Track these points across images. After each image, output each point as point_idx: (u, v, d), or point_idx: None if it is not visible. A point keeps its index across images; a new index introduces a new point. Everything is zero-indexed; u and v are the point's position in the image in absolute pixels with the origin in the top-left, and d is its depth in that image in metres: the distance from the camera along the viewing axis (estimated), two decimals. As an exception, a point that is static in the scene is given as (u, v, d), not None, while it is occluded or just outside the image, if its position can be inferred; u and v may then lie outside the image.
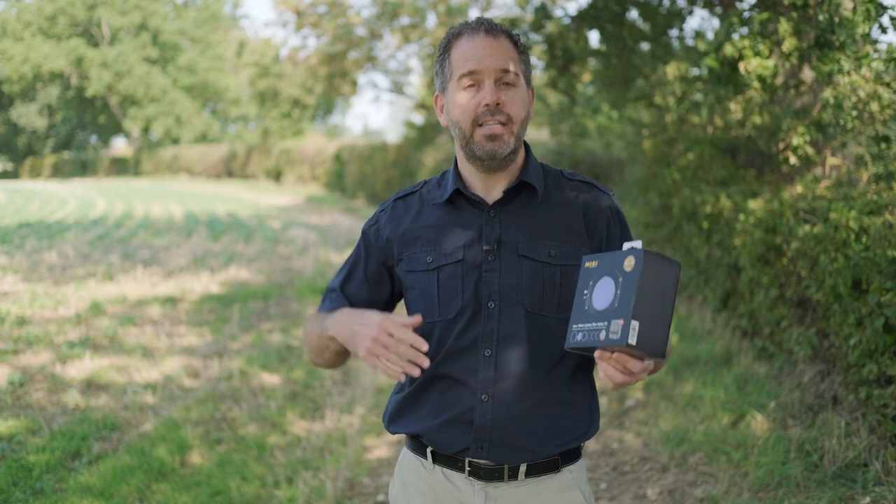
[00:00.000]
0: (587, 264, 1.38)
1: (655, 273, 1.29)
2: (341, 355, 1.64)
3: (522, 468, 1.56)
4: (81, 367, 5.53)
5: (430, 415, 1.59)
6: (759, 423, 3.92)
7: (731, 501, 3.34)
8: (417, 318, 1.45)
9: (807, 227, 4.12)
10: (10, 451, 4.01)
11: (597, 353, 1.32)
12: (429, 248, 1.60)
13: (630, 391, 4.96)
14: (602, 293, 1.32)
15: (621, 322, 1.26)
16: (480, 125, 1.53)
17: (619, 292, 1.29)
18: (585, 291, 1.36)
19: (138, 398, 4.92)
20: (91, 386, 5.18)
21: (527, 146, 1.66)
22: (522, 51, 1.59)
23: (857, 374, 3.44)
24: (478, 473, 1.57)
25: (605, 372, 1.32)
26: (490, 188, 1.61)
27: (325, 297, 1.75)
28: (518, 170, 1.62)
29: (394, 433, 1.67)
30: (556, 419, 1.56)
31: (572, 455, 1.62)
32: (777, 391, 4.22)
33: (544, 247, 1.56)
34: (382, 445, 4.34)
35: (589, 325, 1.32)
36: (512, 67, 1.54)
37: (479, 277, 1.56)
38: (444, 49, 1.59)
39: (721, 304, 5.65)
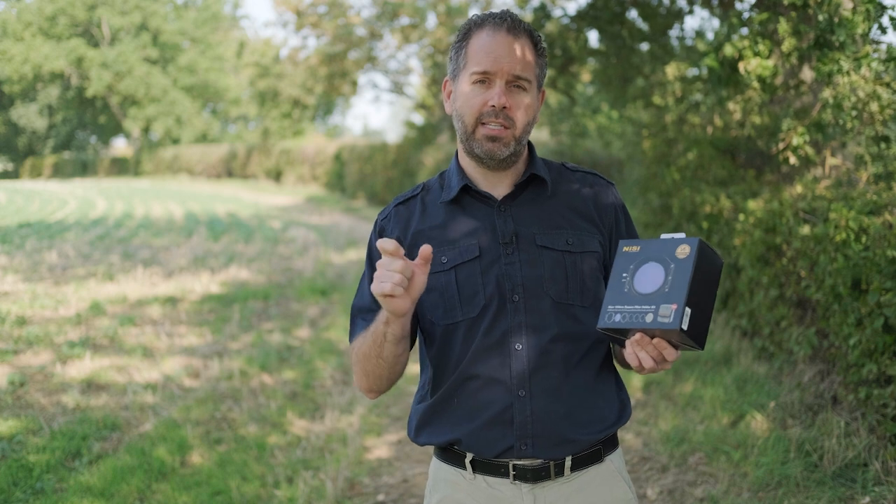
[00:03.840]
0: (625, 248, 1.38)
1: (707, 264, 1.31)
2: (400, 343, 1.49)
3: (568, 462, 1.53)
4: (81, 367, 5.54)
5: (465, 419, 1.54)
6: (758, 422, 3.93)
7: (731, 501, 3.34)
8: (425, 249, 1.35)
9: (806, 227, 4.12)
10: (10, 451, 4.01)
11: (636, 336, 1.32)
12: (442, 248, 1.57)
13: (630, 391, 4.96)
14: (648, 277, 1.32)
15: (674, 307, 1.26)
16: (483, 124, 1.52)
17: (670, 278, 1.29)
18: (625, 274, 1.35)
19: (138, 398, 4.92)
20: (91, 386, 5.18)
21: (529, 143, 1.65)
22: (541, 53, 1.57)
23: (857, 374, 3.44)
24: (524, 476, 1.53)
25: (639, 356, 1.32)
26: (496, 184, 1.59)
27: (357, 319, 1.62)
28: (522, 165, 1.61)
29: (423, 444, 1.61)
30: (593, 406, 1.55)
31: (612, 442, 1.61)
32: (777, 391, 4.22)
33: (561, 236, 1.55)
34: (382, 445, 4.34)
35: (631, 307, 1.32)
36: (526, 73, 1.52)
37: (500, 271, 1.53)
38: (464, 36, 1.57)
39: (721, 304, 5.65)
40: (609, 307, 1.35)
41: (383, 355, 1.50)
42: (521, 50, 1.52)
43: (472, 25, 1.57)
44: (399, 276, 1.33)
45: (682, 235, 1.33)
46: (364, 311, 1.61)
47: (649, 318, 1.29)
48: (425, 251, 1.36)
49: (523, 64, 1.52)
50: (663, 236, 1.35)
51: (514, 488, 1.55)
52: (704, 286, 1.30)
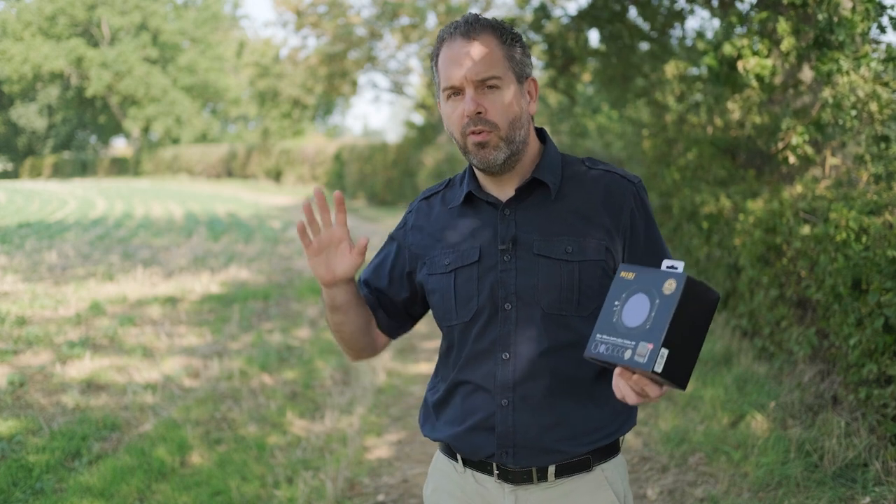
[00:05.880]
0: (623, 274, 1.33)
1: (694, 302, 1.24)
2: (336, 313, 1.59)
3: (551, 469, 1.52)
4: (81, 367, 5.53)
5: (455, 421, 1.57)
6: (759, 423, 3.92)
7: (731, 501, 3.34)
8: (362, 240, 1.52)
9: (807, 227, 4.12)
10: (10, 451, 4.01)
11: (618, 370, 1.28)
12: (447, 251, 1.57)
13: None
14: (634, 309, 1.27)
15: (650, 346, 1.21)
16: (469, 135, 1.49)
17: (653, 314, 1.24)
18: (616, 303, 1.30)
19: (138, 398, 4.92)
20: (91, 386, 5.18)
21: (545, 136, 1.61)
22: (510, 43, 1.51)
23: (857, 374, 3.44)
24: (507, 476, 1.55)
25: (622, 390, 1.29)
26: (503, 187, 1.57)
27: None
28: (531, 166, 1.57)
29: (426, 437, 1.66)
30: (584, 418, 1.52)
31: (606, 452, 1.56)
32: (777, 391, 4.22)
33: (561, 244, 1.51)
34: (382, 445, 4.34)
35: (615, 339, 1.28)
36: (491, 71, 1.47)
37: (495, 278, 1.52)
38: (434, 55, 1.55)
39: (721, 304, 5.65)
40: (597, 335, 1.31)
41: (335, 321, 1.61)
42: (480, 50, 1.47)
43: (438, 42, 1.54)
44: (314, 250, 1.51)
45: (679, 266, 1.28)
46: (361, 283, 1.71)
47: (627, 354, 1.24)
48: (360, 243, 1.50)
49: (486, 63, 1.47)
50: (665, 262, 1.30)
51: (498, 486, 1.56)
52: (689, 325, 1.24)
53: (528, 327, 1.51)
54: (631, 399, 1.28)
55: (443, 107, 1.55)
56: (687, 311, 1.23)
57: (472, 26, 1.49)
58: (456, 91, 1.49)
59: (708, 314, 1.27)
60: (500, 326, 1.52)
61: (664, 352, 1.20)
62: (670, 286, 1.24)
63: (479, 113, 1.47)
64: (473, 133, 1.48)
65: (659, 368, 1.20)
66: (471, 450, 1.55)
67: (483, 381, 1.53)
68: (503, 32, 1.51)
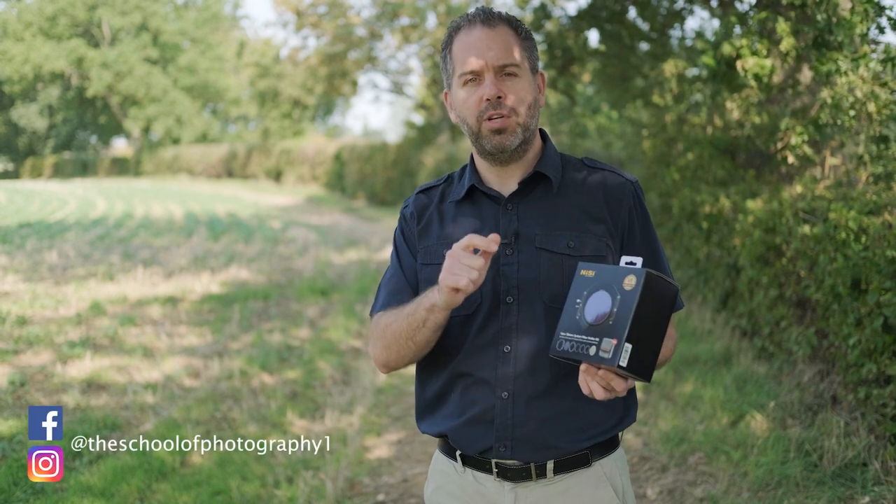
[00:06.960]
0: (583, 272, 1.35)
1: (654, 296, 1.27)
2: (438, 331, 1.52)
3: (550, 465, 1.53)
4: (82, 367, 5.54)
5: (453, 414, 1.57)
6: (758, 422, 3.93)
7: (730, 501, 3.34)
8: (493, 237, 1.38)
9: (806, 227, 4.12)
10: (10, 451, 4.02)
11: (583, 367, 1.31)
12: (446, 243, 1.57)
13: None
14: (596, 306, 1.30)
15: (614, 342, 1.24)
16: (485, 120, 1.51)
17: (615, 310, 1.27)
18: (578, 300, 1.33)
19: (138, 398, 4.93)
20: (91, 386, 5.18)
21: (545, 135, 1.64)
22: (525, 36, 1.56)
23: (857, 373, 3.44)
24: (505, 474, 1.54)
25: (588, 386, 1.31)
26: (505, 181, 1.58)
27: (389, 297, 1.64)
28: (534, 161, 1.59)
29: (424, 433, 1.65)
30: (582, 413, 1.52)
31: (605, 447, 1.57)
32: (776, 391, 4.22)
33: (563, 238, 1.53)
34: (382, 445, 4.34)
35: (578, 336, 1.30)
36: (512, 59, 1.51)
37: (497, 271, 1.52)
38: (447, 44, 1.58)
39: (721, 303, 5.65)
40: (561, 333, 1.33)
41: (416, 339, 1.51)
42: (500, 38, 1.52)
43: (451, 31, 1.58)
44: (478, 274, 1.36)
45: (636, 262, 1.30)
46: (398, 292, 1.62)
47: (592, 350, 1.27)
48: (495, 241, 1.35)
49: (506, 51, 1.52)
50: (623, 258, 1.33)
51: (497, 485, 1.56)
52: (651, 319, 1.27)
53: (530, 321, 1.52)
54: (599, 394, 1.30)
55: (456, 93, 1.56)
56: (648, 305, 1.26)
57: (492, 16, 1.54)
58: (474, 77, 1.52)
59: (668, 307, 1.30)
60: (501, 319, 1.52)
61: (628, 346, 1.24)
62: (630, 282, 1.27)
63: (500, 98, 1.50)
64: (491, 118, 1.51)
65: (624, 363, 1.24)
66: (468, 443, 1.55)
67: (484, 373, 1.53)
68: (518, 26, 1.57)
